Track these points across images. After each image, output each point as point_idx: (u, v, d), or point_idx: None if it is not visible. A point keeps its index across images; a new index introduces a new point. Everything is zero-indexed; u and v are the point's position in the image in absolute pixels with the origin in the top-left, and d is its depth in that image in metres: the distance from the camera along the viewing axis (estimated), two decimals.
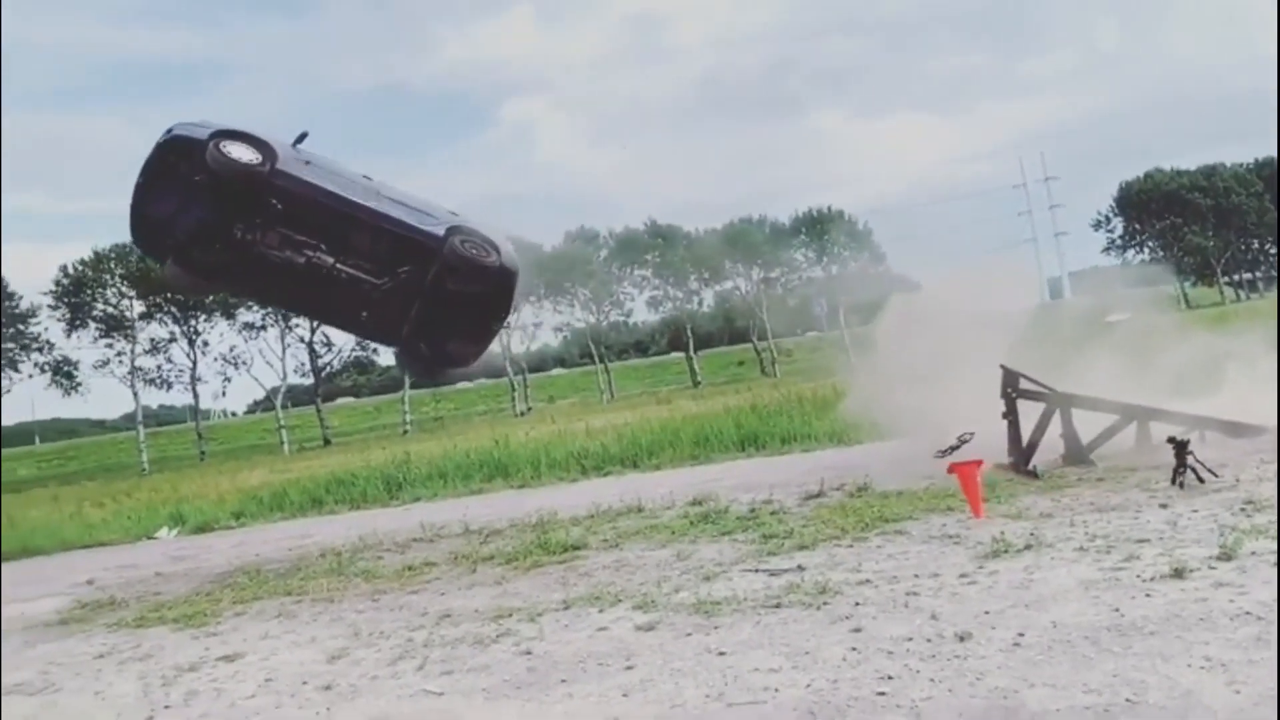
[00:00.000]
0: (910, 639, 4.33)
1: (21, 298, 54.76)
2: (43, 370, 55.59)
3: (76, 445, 75.47)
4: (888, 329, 11.81)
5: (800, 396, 18.19)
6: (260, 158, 8.15)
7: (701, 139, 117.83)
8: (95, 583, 9.98)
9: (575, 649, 4.91)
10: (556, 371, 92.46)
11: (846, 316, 49.96)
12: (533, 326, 69.31)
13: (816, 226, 68.19)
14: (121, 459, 59.49)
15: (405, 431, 57.57)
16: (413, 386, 65.99)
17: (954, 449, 9.59)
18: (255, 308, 59.50)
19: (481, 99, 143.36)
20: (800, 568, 5.96)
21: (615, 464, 14.51)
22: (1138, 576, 4.83)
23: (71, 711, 5.16)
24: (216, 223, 8.17)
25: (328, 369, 64.95)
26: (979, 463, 6.98)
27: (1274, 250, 70.47)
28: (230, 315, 59.18)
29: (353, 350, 64.83)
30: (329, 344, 63.04)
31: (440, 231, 8.60)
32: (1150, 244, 72.60)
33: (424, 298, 8.62)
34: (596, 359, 69.79)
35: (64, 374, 55.78)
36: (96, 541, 14.56)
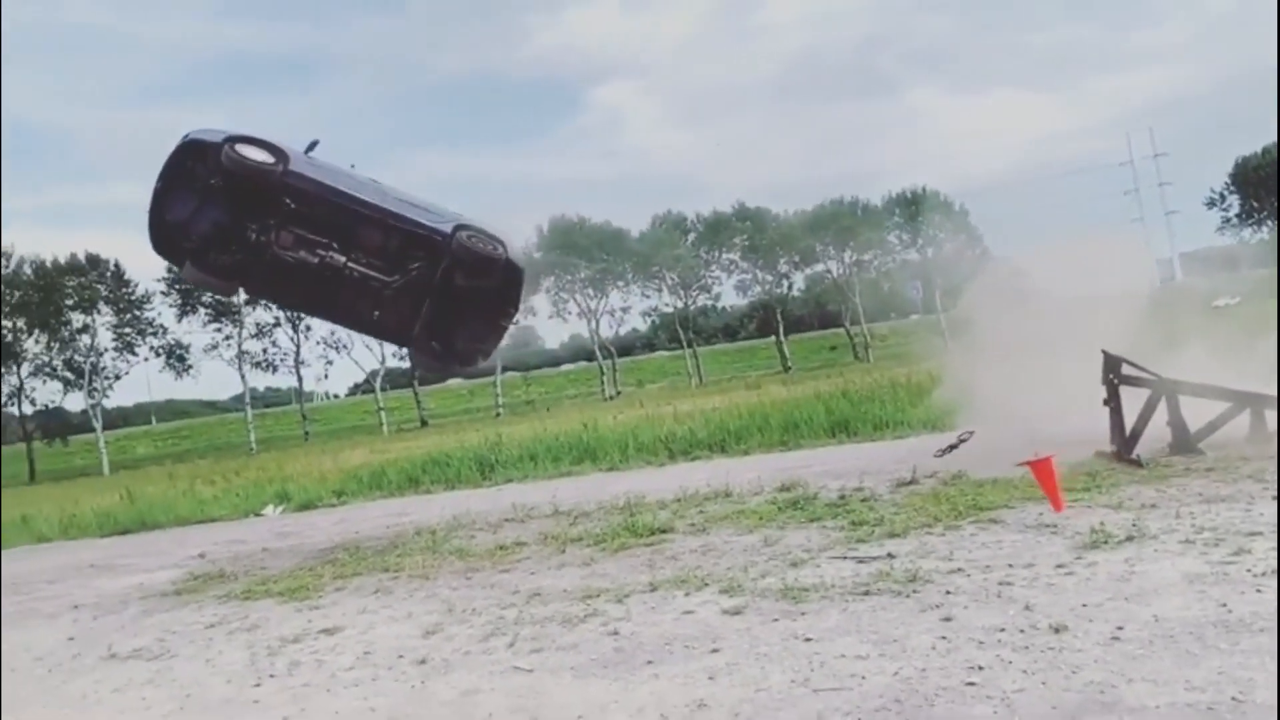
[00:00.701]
0: (1003, 630, 4.24)
1: (137, 285, 57.52)
2: (157, 354, 58.42)
3: (189, 425, 79.03)
4: (985, 313, 11.51)
5: (893, 382, 17.91)
6: (273, 159, 8.41)
7: (792, 120, 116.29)
8: (206, 556, 10.48)
9: (662, 631, 4.96)
10: (645, 356, 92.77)
11: (942, 300, 48.85)
12: (621, 311, 69.73)
13: (910, 207, 66.67)
14: (231, 439, 62.07)
15: (498, 414, 58.61)
16: (505, 373, 67.14)
17: (953, 447, 9.55)
18: None
19: (572, 85, 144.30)
20: (890, 555, 5.89)
21: (703, 449, 14.52)
22: (1248, 571, 4.63)
23: (185, 677, 5.43)
24: (231, 224, 8.44)
25: None
26: (1050, 458, 6.72)
27: None
28: None
29: None
30: None
31: (447, 229, 8.77)
32: (1269, 222, 68.87)
33: (434, 294, 8.78)
34: (684, 343, 69.80)
35: (177, 357, 58.51)
36: (208, 517, 15.26)
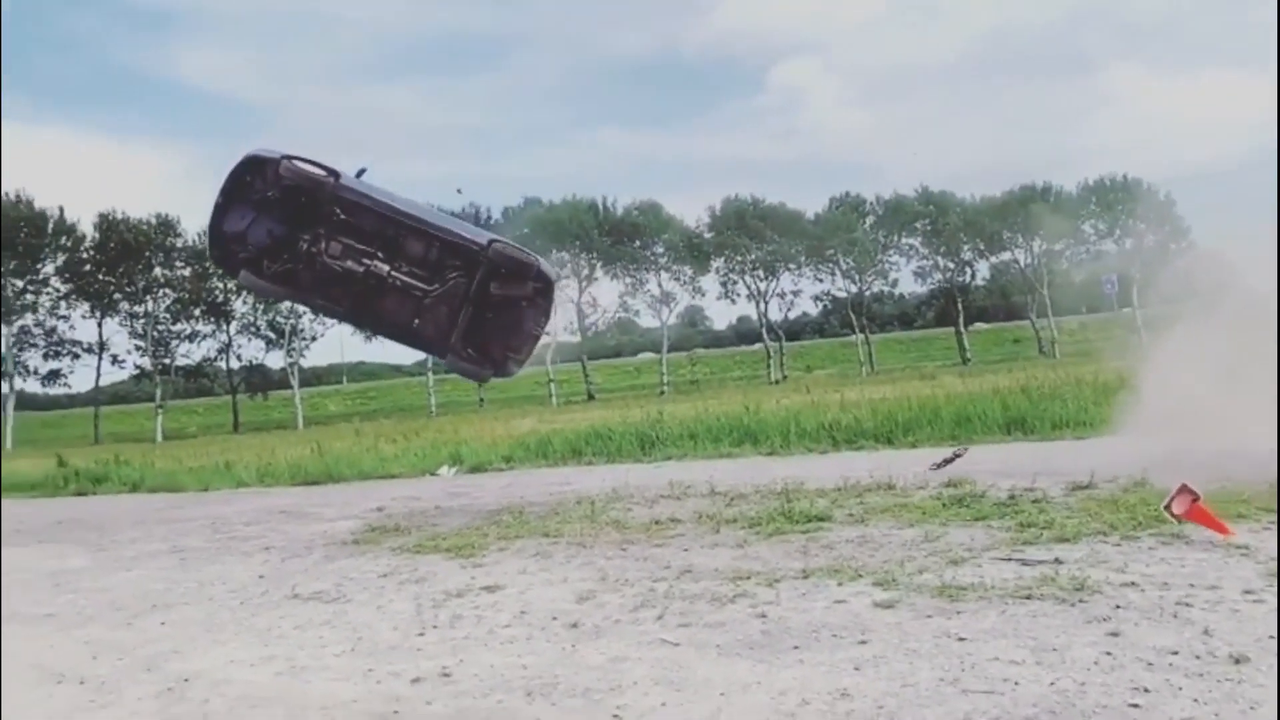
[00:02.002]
0: (1175, 652, 3.97)
1: None
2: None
3: (376, 386, 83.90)
4: (1188, 310, 10.70)
5: (1079, 379, 16.97)
6: (326, 173, 9.09)
7: (979, 101, 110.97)
8: (384, 510, 11.14)
9: (810, 618, 4.92)
10: (815, 341, 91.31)
11: (1140, 295, 45.69)
12: (791, 294, 68.91)
13: (1108, 196, 62.56)
14: (413, 401, 65.53)
15: (662, 392, 59.24)
16: (671, 349, 67.71)
17: (949, 461, 9.38)
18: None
19: (751, 64, 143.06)
20: (1058, 561, 5.61)
21: (868, 438, 14.21)
22: None
23: (357, 621, 5.82)
24: (285, 235, 9.05)
25: (593, 328, 68.01)
26: (1195, 498, 6.15)
27: None
28: None
29: (617, 312, 67.51)
30: (594, 305, 66.01)
31: (483, 241, 9.31)
32: None
33: (471, 303, 9.21)
34: (857, 330, 68.30)
35: None
36: (388, 474, 16.20)
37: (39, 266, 55.64)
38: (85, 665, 5.19)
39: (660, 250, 66.33)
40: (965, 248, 67.57)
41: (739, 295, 68.37)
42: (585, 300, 65.73)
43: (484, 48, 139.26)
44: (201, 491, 16.32)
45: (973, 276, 70.56)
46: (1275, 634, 4.00)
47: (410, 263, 9.24)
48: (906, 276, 70.90)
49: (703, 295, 70.52)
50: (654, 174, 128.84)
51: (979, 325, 75.56)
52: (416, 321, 9.37)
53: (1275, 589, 4.69)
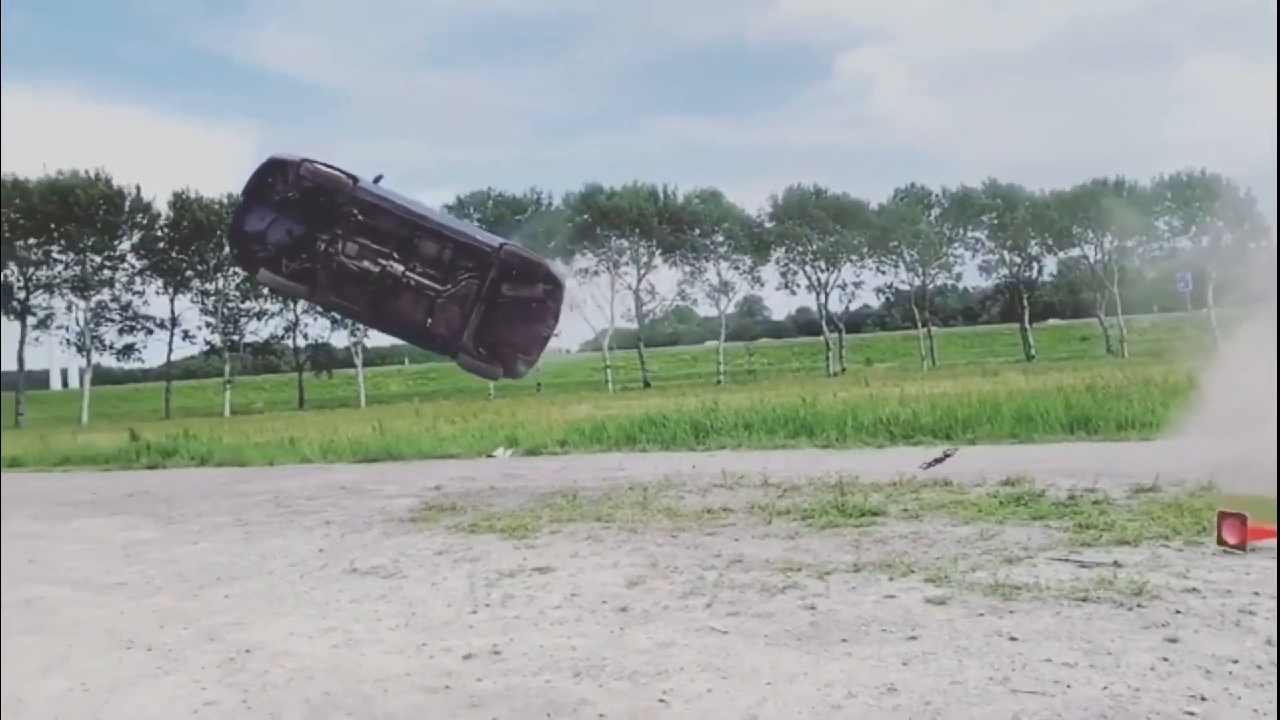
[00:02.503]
0: (1236, 661, 3.88)
1: None
2: None
3: (437, 368, 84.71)
4: (1267, 310, 10.35)
5: (1147, 380, 16.56)
6: (345, 176, 9.40)
7: (1052, 92, 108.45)
8: (441, 489, 11.33)
9: (860, 612, 4.90)
10: (875, 334, 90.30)
11: (1216, 295, 44.32)
12: (853, 286, 68.15)
13: (1185, 191, 60.66)
14: (472, 384, 66.17)
15: (719, 381, 59.15)
16: (729, 338, 67.49)
17: (938, 461, 9.68)
18: (590, 253, 63.69)
19: (819, 52, 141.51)
20: (1116, 564, 5.50)
21: (926, 434, 14.03)
22: None
23: (412, 596, 5.95)
24: (303, 235, 9.34)
25: (651, 315, 68.10)
26: (1243, 519, 5.90)
27: None
28: (568, 260, 63.57)
29: (674, 300, 67.49)
30: (653, 292, 66.05)
31: (495, 243, 9.59)
32: None
33: (482, 303, 9.45)
34: (919, 323, 67.34)
35: None
36: (445, 454, 16.45)
37: (116, 243, 57.37)
38: (153, 633, 5.39)
39: (720, 239, 66.05)
40: (1033, 242, 66.15)
41: (799, 286, 67.85)
42: (643, 288, 65.80)
43: (550, 33, 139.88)
44: (266, 466, 16.76)
45: (1040, 272, 69.11)
46: None
47: (424, 263, 9.51)
48: (971, 270, 69.76)
49: (762, 285, 70.16)
50: (716, 162, 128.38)
51: (1047, 322, 74.02)
52: (429, 321, 9.61)
53: None
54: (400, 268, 9.45)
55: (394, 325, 10.03)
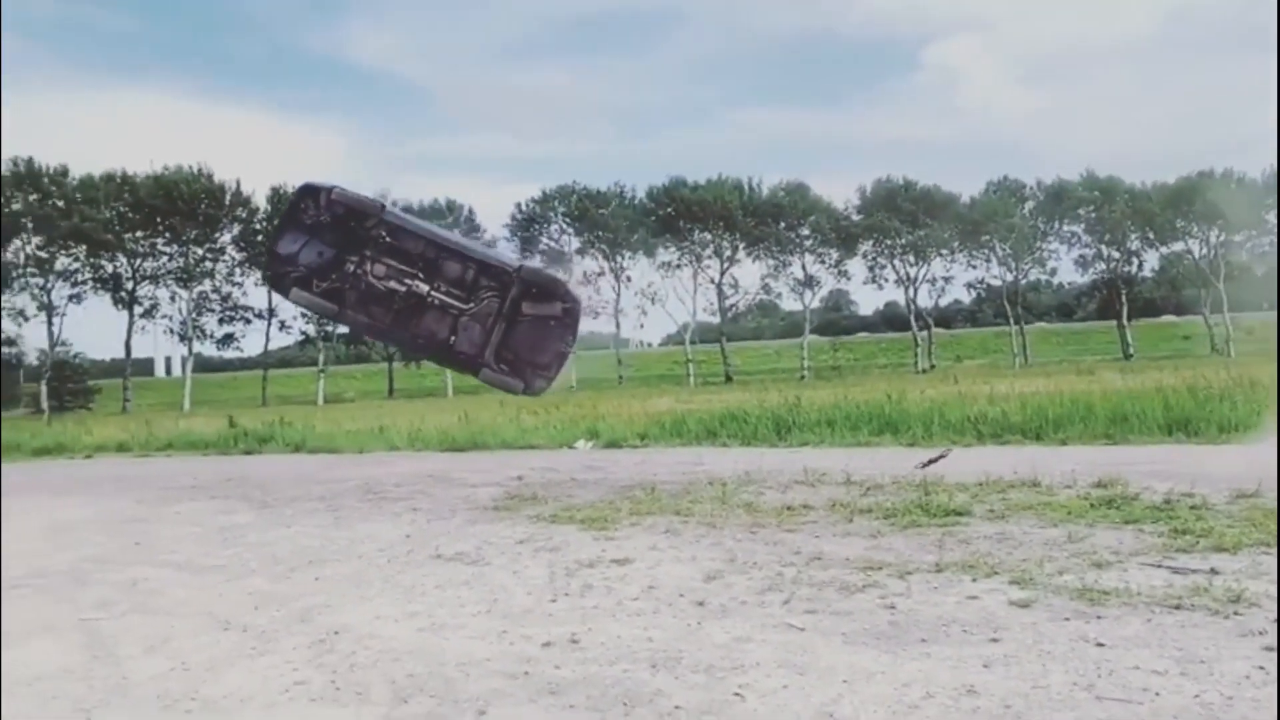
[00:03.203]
0: None
1: (486, 231, 63.63)
2: None
3: None
4: None
5: (1253, 381, 15.83)
6: (374, 200, 10.09)
7: (1154, 82, 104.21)
8: (524, 479, 11.51)
9: (940, 612, 4.83)
10: (966, 330, 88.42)
11: None
12: (943, 280, 66.80)
13: None
14: None
15: (802, 377, 58.65)
16: (814, 333, 66.73)
17: (934, 461, 10.18)
18: (673, 246, 63.72)
19: (908, 43, 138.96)
20: (1213, 571, 5.30)
21: (1015, 433, 13.69)
22: None
23: (494, 583, 6.07)
24: (333, 257, 9.88)
25: (733, 310, 67.81)
26: None
27: None
28: (651, 254, 63.78)
29: (758, 294, 67.06)
30: (736, 286, 65.76)
31: (515, 264, 10.04)
32: None
33: (503, 321, 9.77)
34: (1011, 319, 65.62)
35: None
36: (528, 444, 16.68)
37: (217, 236, 59.68)
38: (248, 615, 5.61)
39: (805, 232, 65.44)
40: (1133, 236, 63.89)
41: (887, 280, 66.87)
42: (726, 281, 65.57)
43: (636, 26, 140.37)
44: (357, 454, 17.25)
45: (1140, 267, 66.76)
46: None
47: (448, 283, 9.94)
48: (1067, 265, 67.99)
49: (848, 279, 69.36)
50: (802, 154, 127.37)
51: (1168, 318, 71.33)
52: (453, 338, 9.98)
53: None
54: (425, 287, 9.88)
55: (419, 342, 10.42)
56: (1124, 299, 63.88)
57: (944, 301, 73.13)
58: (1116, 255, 65.08)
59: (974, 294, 74.30)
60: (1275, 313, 56.64)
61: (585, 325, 69.29)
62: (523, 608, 5.41)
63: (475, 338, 9.88)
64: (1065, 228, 65.45)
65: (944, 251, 65.49)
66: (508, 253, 10.33)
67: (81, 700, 4.18)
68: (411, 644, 4.79)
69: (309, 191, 10.22)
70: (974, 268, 67.13)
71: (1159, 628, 4.37)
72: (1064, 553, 6.00)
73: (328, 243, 9.96)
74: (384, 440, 18.30)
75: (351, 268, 9.91)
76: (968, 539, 6.62)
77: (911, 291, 66.80)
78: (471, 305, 9.90)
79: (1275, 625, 4.25)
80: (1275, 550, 5.74)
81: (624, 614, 5.16)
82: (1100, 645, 4.17)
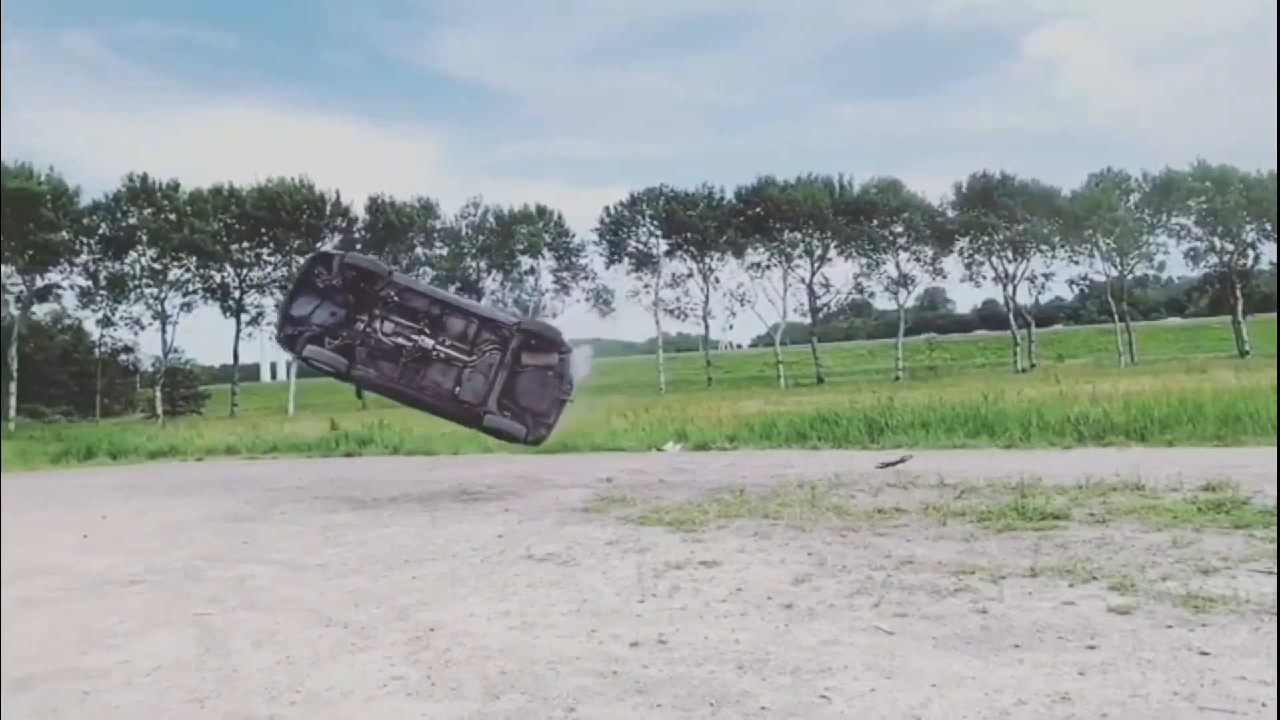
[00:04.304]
0: None
1: (575, 234, 64.34)
2: (587, 296, 64.93)
3: (610, 363, 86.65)
4: None
5: None
6: (382, 264, 11.03)
7: (1270, 64, 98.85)
8: (613, 481, 11.62)
9: (1035, 618, 4.72)
10: (1068, 328, 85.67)
11: None
12: (1043, 277, 64.78)
13: None
14: (644, 378, 67.18)
15: (897, 378, 57.59)
16: (909, 333, 65.48)
17: (896, 463, 11.22)
18: (762, 247, 63.32)
19: (1004, 31, 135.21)
20: None
21: (1118, 434, 13.24)
22: None
23: (583, 583, 6.16)
24: (344, 316, 10.60)
25: (825, 310, 66.98)
26: None
27: None
28: (740, 255, 63.50)
29: (850, 294, 66.11)
30: (827, 285, 64.96)
31: (514, 320, 10.76)
32: None
33: (504, 371, 10.50)
34: (1116, 316, 63.24)
35: (603, 301, 64.66)
36: (617, 447, 16.83)
37: (318, 245, 61.65)
38: (348, 612, 5.82)
39: (899, 230, 64.23)
40: (1248, 227, 60.85)
41: (984, 278, 65.17)
42: (817, 281, 64.83)
43: (722, 25, 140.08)
44: (452, 455, 17.68)
45: (1256, 260, 63.50)
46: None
47: (452, 338, 10.69)
48: (1176, 259, 65.42)
49: (944, 277, 67.86)
50: (895, 150, 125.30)
51: (1263, 315, 67.88)
52: (457, 388, 10.65)
53: None
54: (431, 342, 10.62)
55: (426, 395, 10.95)
56: (1239, 293, 60.91)
57: (1044, 299, 70.94)
58: (1230, 247, 62.13)
59: (1076, 291, 71.90)
60: None
61: (674, 326, 69.36)
62: (611, 608, 5.49)
63: (478, 387, 10.60)
64: (1174, 220, 62.76)
65: (1044, 247, 63.48)
66: (506, 312, 11.11)
67: (195, 690, 4.41)
68: (503, 642, 4.91)
69: (322, 259, 11.07)
70: (1076, 263, 64.91)
71: (1268, 637, 4.19)
72: (1168, 558, 5.80)
73: (339, 303, 10.71)
74: (478, 442, 18.61)
75: (361, 325, 10.66)
76: (1065, 543, 6.44)
77: (1010, 289, 65.00)
78: (474, 357, 10.62)
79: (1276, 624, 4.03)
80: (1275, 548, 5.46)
81: (711, 615, 5.19)
82: (1204, 654, 4.02)
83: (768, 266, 64.21)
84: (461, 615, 5.51)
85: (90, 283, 56.88)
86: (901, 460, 11.57)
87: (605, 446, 16.92)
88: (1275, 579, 5.13)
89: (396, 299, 10.73)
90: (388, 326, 10.63)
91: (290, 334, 10.92)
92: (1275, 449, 10.25)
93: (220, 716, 4.04)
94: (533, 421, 10.77)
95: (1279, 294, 59.26)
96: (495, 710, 3.91)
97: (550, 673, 4.35)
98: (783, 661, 4.30)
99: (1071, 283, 68.38)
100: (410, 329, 10.66)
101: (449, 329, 10.73)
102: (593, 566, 6.68)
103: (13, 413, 48.49)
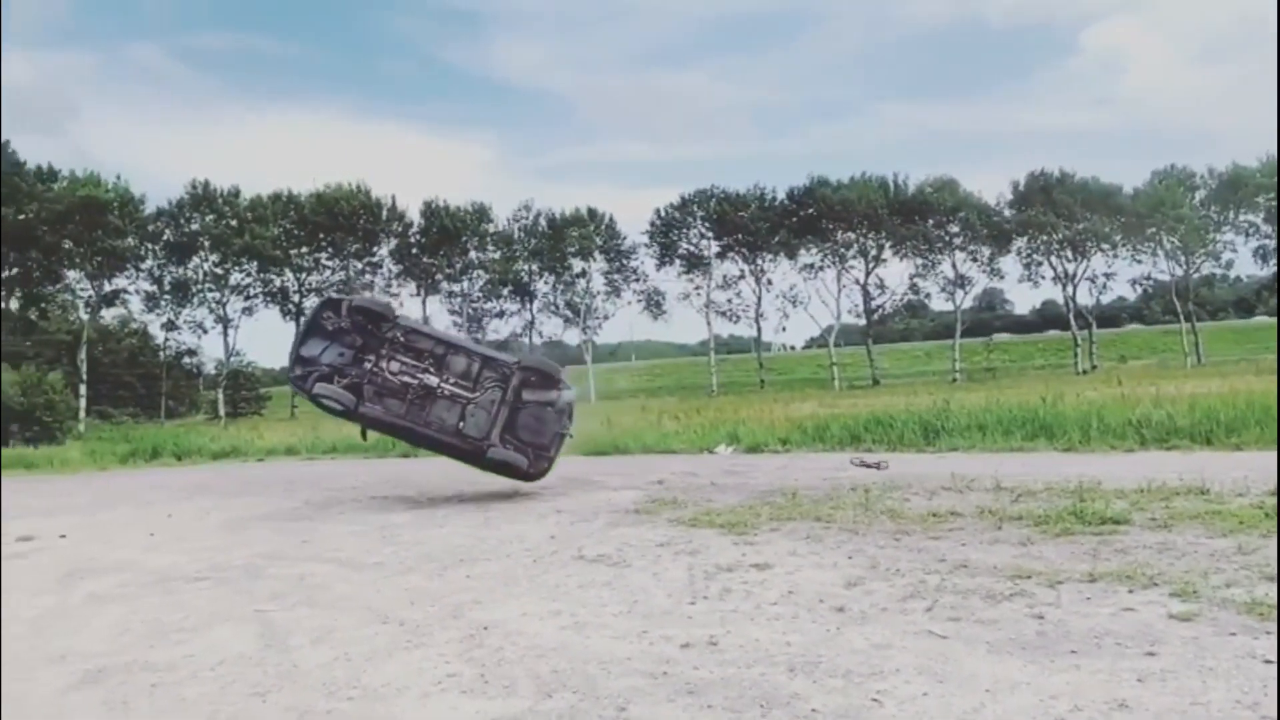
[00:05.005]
0: None
1: (626, 237, 64.51)
2: (639, 298, 65.01)
3: (661, 365, 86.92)
4: None
5: None
6: (388, 306, 11.73)
7: None
8: (664, 483, 11.65)
9: (1093, 624, 4.64)
10: (1131, 328, 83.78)
11: None
12: (1104, 277, 63.39)
13: None
14: (696, 380, 67.21)
15: (954, 380, 56.81)
16: (966, 334, 64.53)
17: (870, 465, 11.96)
18: (815, 248, 62.87)
19: (1062, 27, 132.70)
20: None
21: (1182, 437, 12.93)
22: None
23: (635, 584, 6.20)
24: (352, 356, 11.15)
25: (880, 311, 66.26)
26: None
27: None
28: (792, 256, 63.10)
29: (905, 294, 65.34)
30: (882, 286, 64.27)
31: (513, 359, 11.16)
32: None
33: (506, 406, 10.98)
34: (1181, 317, 61.62)
35: (654, 303, 64.71)
36: (668, 449, 16.85)
37: (375, 249, 62.68)
38: (404, 610, 5.92)
39: (955, 229, 63.31)
40: None
41: (1044, 278, 63.93)
42: (871, 282, 64.17)
43: (774, 25, 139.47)
44: None
45: None
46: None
47: (456, 376, 11.16)
48: (1244, 257, 63.47)
49: (1002, 278, 66.70)
50: (950, 149, 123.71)
51: None
52: (461, 424, 11.08)
53: None
54: (435, 380, 11.10)
55: (431, 430, 11.30)
56: None
57: (1106, 299, 69.42)
58: None
59: (1139, 290, 70.28)
60: None
61: (726, 328, 69.05)
62: (662, 609, 5.51)
63: (482, 423, 11.08)
64: (1242, 217, 60.98)
65: (1105, 246, 62.12)
66: (506, 354, 11.65)
67: (257, 684, 4.53)
68: (555, 641, 4.96)
69: (330, 304, 11.68)
70: (1139, 262, 63.42)
71: None
72: (1232, 564, 5.66)
73: (347, 344, 11.29)
74: None
75: (369, 365, 11.19)
76: (1125, 548, 6.32)
77: (1070, 289, 63.70)
78: (477, 394, 11.12)
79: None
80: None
81: (763, 618, 5.18)
82: (1269, 662, 3.92)
83: (821, 267, 63.78)
84: (514, 614, 5.58)
85: (155, 287, 58.44)
86: (879, 465, 12.04)
87: (656, 448, 16.95)
88: None
89: (402, 339, 11.29)
90: (394, 365, 11.14)
91: (300, 374, 11.41)
92: None
93: (281, 710, 4.15)
94: (534, 455, 11.14)
95: (1279, 296, 57.89)
96: (547, 708, 3.96)
97: (602, 672, 4.39)
98: (834, 664, 4.29)
99: (1134, 282, 66.89)
100: (416, 368, 11.17)
101: (453, 367, 11.23)
102: (644, 568, 6.71)
103: (83, 414, 49.96)
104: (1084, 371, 55.59)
